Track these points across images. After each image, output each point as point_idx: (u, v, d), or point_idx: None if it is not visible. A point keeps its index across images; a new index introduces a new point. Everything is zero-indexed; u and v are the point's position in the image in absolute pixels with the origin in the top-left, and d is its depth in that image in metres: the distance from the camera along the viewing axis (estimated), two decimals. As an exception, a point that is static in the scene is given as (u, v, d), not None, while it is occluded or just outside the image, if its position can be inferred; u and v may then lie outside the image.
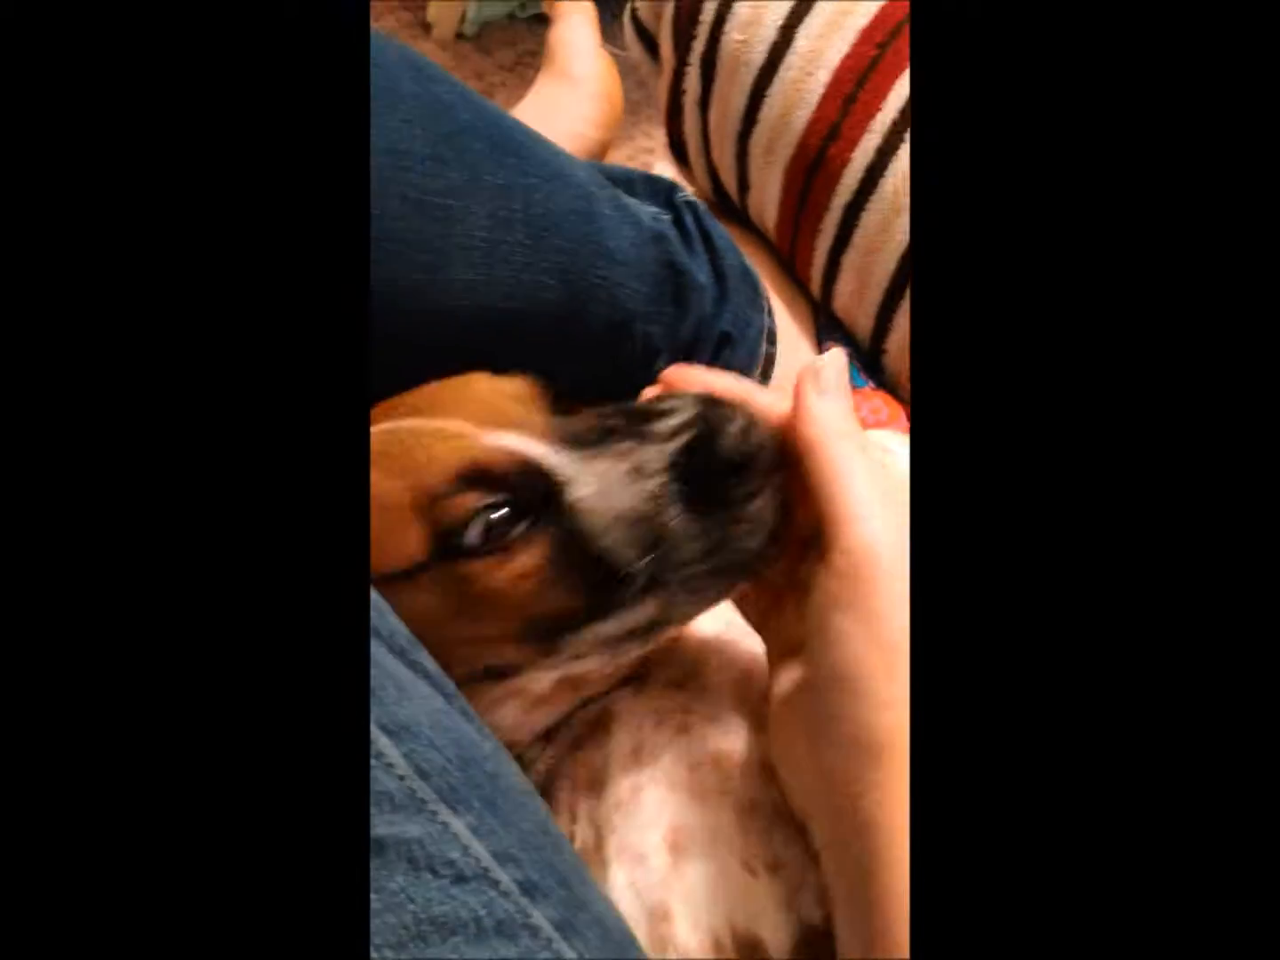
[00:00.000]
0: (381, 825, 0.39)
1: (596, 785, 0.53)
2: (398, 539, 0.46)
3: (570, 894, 0.45)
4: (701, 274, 0.76)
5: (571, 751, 0.54)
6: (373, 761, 0.39)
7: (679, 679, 0.56)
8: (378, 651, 0.44)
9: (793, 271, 0.89)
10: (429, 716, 0.44)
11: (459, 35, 1.81)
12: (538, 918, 0.42)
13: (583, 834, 0.52)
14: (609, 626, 0.47)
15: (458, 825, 0.41)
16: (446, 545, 0.46)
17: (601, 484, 0.46)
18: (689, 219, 0.78)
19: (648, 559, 0.45)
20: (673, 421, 0.46)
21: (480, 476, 0.46)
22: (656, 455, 0.46)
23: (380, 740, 0.40)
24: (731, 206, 0.93)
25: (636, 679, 0.56)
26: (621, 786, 0.52)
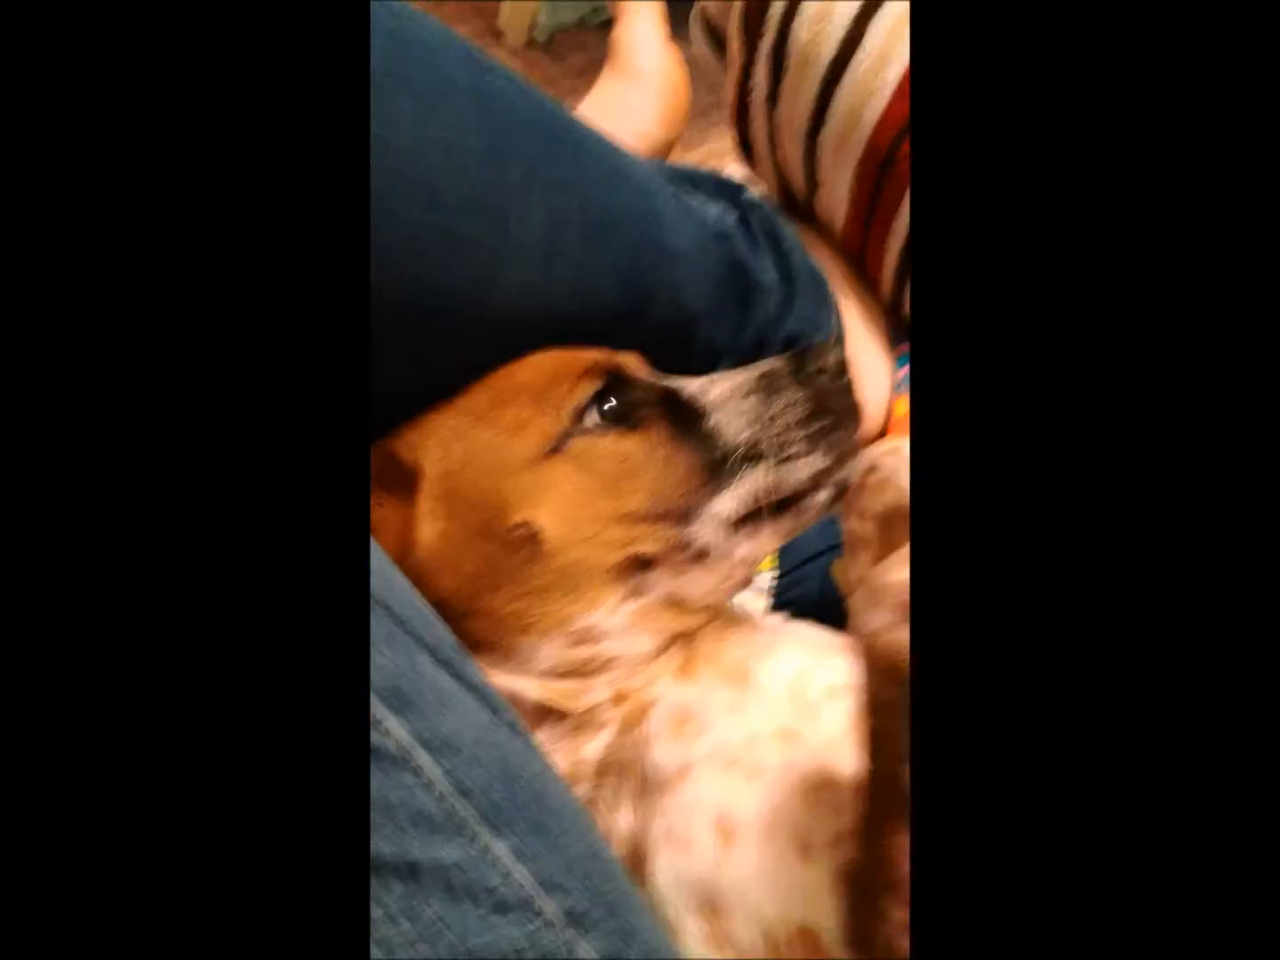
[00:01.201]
0: (417, 848, 0.37)
1: (640, 767, 0.51)
2: (541, 421, 0.56)
3: (620, 923, 0.42)
4: (767, 275, 0.73)
5: (620, 736, 0.53)
6: (410, 778, 0.38)
7: (728, 674, 0.55)
8: (421, 662, 0.42)
9: (864, 273, 0.86)
10: (473, 731, 0.42)
11: (530, 42, 1.81)
12: (585, 950, 0.40)
13: (626, 822, 0.50)
14: (726, 503, 0.55)
15: (500, 848, 0.39)
16: (577, 422, 0.56)
17: (705, 385, 0.59)
18: (755, 219, 0.76)
19: (746, 435, 0.56)
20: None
21: (603, 369, 0.58)
22: (749, 372, 0.60)
23: (419, 755, 0.38)
24: (800, 207, 0.90)
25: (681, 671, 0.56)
26: (669, 763, 0.50)
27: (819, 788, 0.48)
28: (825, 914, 0.45)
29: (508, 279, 0.58)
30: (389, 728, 0.38)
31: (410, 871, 0.36)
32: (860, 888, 0.43)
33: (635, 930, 0.43)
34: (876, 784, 0.42)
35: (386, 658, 0.40)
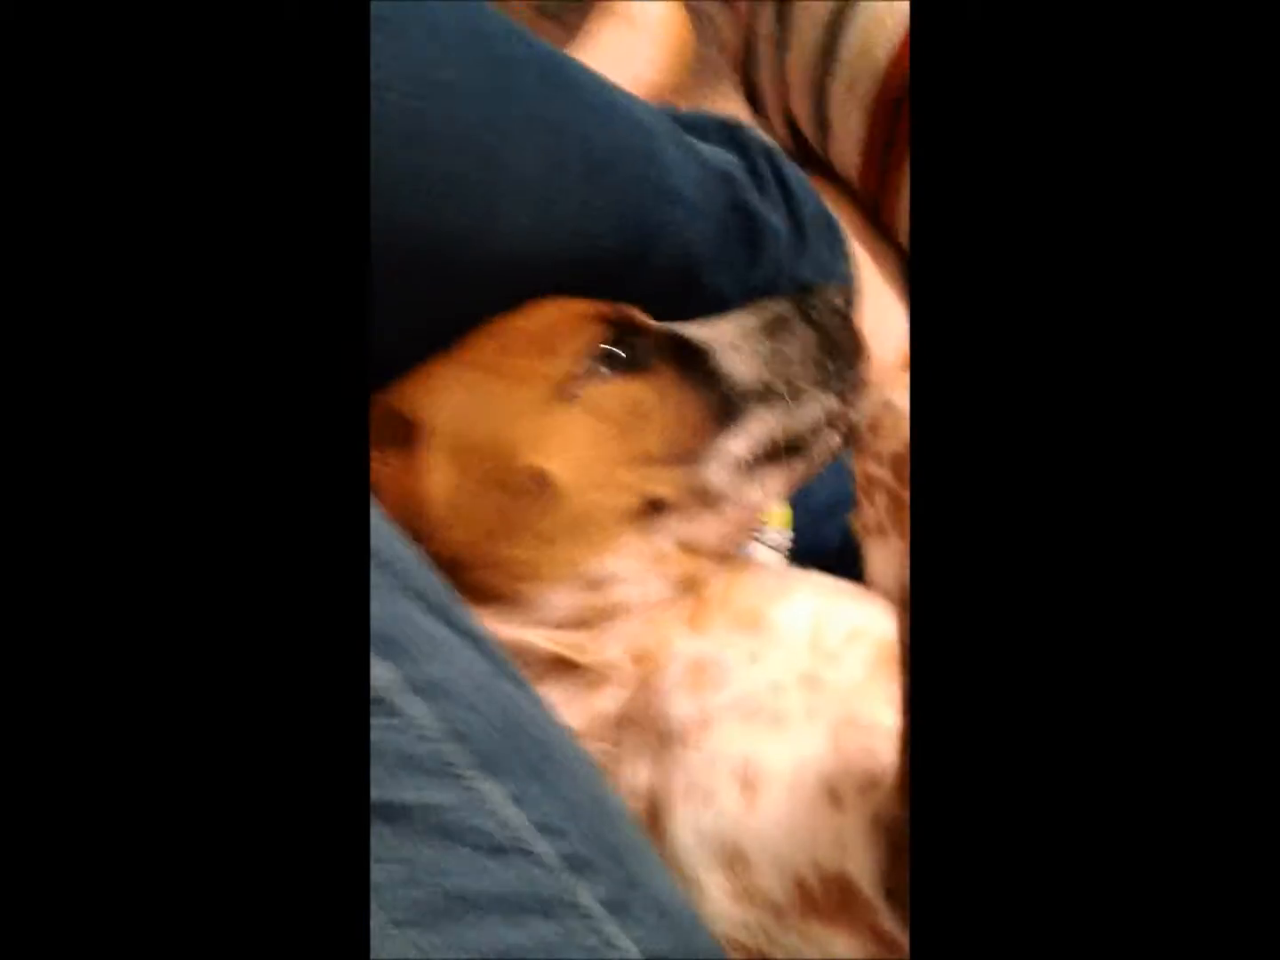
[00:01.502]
0: (407, 790, 0.36)
1: (658, 721, 0.49)
2: (549, 369, 0.55)
3: (624, 871, 0.41)
4: (775, 219, 0.71)
5: (636, 691, 0.51)
6: (396, 721, 0.37)
7: (742, 620, 0.53)
8: (412, 610, 0.41)
9: (878, 218, 0.84)
10: (469, 677, 0.41)
11: (539, 11, 1.79)
12: (584, 895, 0.39)
13: (645, 778, 0.49)
14: (737, 444, 0.55)
15: (495, 792, 0.38)
16: (585, 368, 0.55)
17: (711, 328, 0.59)
18: (762, 163, 0.74)
19: (755, 376, 0.56)
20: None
21: (610, 316, 0.57)
22: (757, 313, 0.59)
23: (407, 699, 0.37)
24: (811, 153, 0.88)
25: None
26: (688, 716, 0.49)
27: (846, 734, 0.47)
28: (859, 861, 0.44)
29: (506, 220, 0.57)
30: (374, 672, 0.37)
31: (400, 814, 0.35)
32: (898, 834, 0.42)
33: (639, 877, 0.42)
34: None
35: (373, 604, 0.39)
